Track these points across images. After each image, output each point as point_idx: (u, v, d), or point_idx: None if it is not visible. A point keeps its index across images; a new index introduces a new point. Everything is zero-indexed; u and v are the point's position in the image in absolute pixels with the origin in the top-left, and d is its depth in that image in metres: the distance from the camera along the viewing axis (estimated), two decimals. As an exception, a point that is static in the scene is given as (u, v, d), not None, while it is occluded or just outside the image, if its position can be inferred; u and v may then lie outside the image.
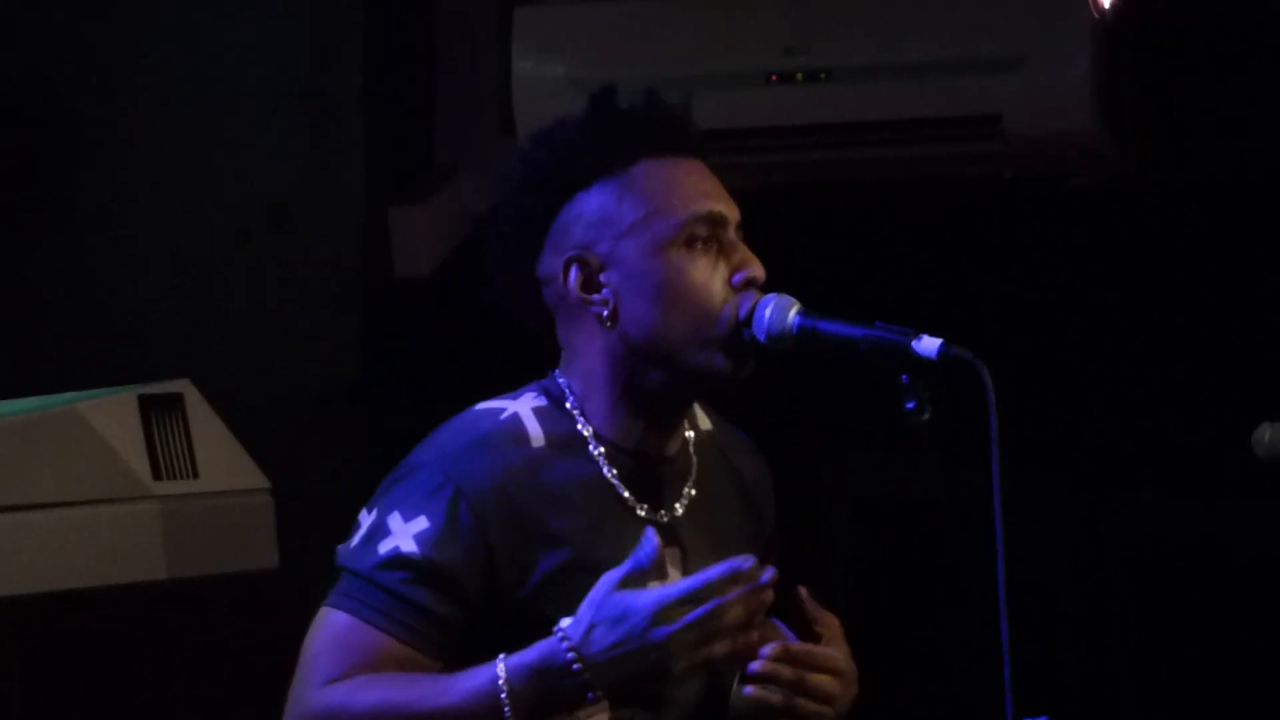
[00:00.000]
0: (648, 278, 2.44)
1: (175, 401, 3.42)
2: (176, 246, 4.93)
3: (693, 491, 2.52)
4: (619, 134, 2.49)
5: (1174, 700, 4.94)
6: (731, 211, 2.50)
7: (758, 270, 2.47)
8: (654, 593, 2.30)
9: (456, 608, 2.38)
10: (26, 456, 3.25)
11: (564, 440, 2.45)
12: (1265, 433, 2.90)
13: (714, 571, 2.30)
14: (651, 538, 2.33)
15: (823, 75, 4.54)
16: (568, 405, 2.47)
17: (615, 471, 2.46)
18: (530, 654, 2.32)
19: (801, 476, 5.07)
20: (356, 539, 2.42)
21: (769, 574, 2.32)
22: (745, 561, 2.31)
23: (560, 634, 2.32)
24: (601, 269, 2.45)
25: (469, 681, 2.33)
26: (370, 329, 4.95)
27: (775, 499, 2.67)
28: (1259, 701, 4.85)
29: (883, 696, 5.07)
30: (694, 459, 2.55)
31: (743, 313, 2.45)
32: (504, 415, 2.45)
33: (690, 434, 2.56)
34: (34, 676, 3.35)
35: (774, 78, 4.56)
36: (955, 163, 4.55)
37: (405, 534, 2.38)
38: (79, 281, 4.93)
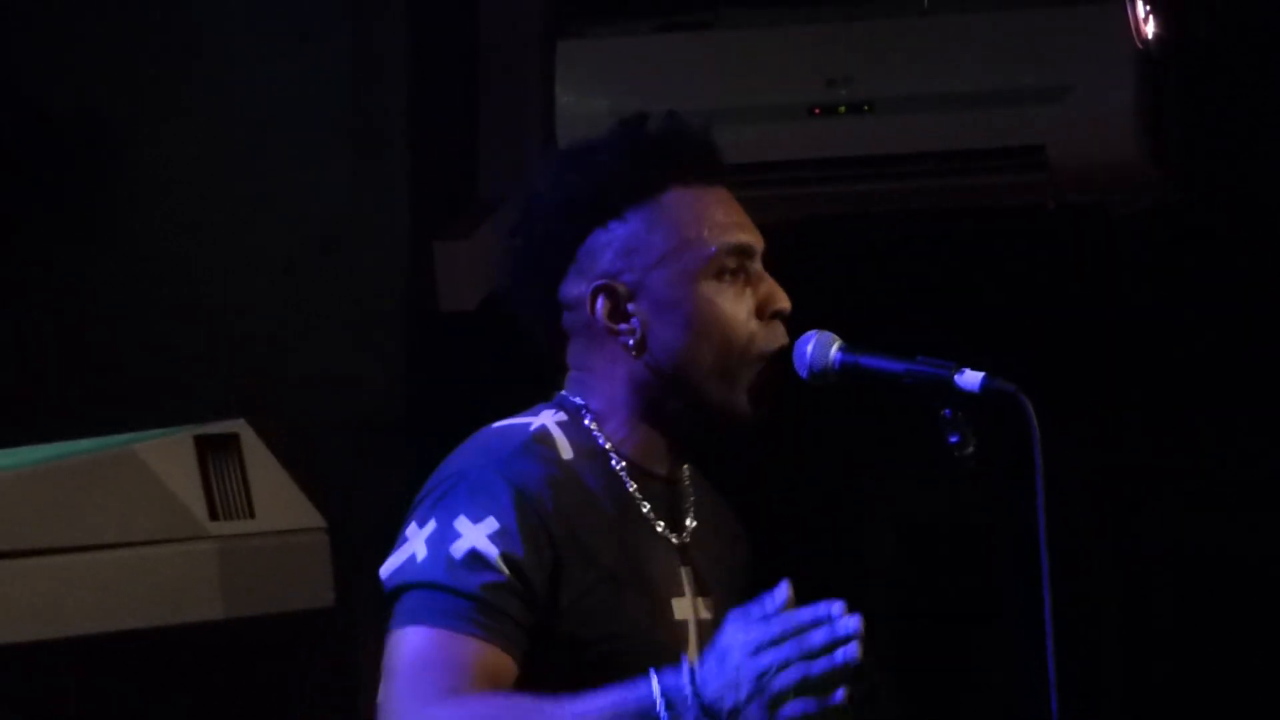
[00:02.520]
0: (677, 308, 2.42)
1: (231, 441, 3.44)
2: (221, 279, 4.95)
3: (695, 518, 2.51)
4: (650, 162, 2.47)
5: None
6: (758, 242, 2.49)
7: (784, 302, 2.46)
8: (751, 634, 2.20)
9: (531, 612, 2.29)
10: (84, 497, 3.27)
11: (589, 452, 2.41)
12: None
13: (804, 614, 2.19)
14: (784, 589, 2.22)
15: (865, 107, 4.55)
16: (585, 422, 2.43)
17: (635, 486, 2.43)
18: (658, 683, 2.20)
19: (844, 499, 5.09)
20: (418, 553, 2.30)
21: (856, 623, 2.17)
22: (834, 605, 2.18)
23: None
24: (630, 298, 2.43)
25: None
26: (415, 362, 4.97)
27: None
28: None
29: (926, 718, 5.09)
30: (690, 486, 2.53)
31: (771, 349, 2.44)
32: (533, 427, 2.40)
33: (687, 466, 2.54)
34: (91, 718, 3.36)
35: (816, 110, 4.58)
36: (998, 193, 4.56)
37: (477, 534, 2.29)
38: (126, 316, 4.95)
